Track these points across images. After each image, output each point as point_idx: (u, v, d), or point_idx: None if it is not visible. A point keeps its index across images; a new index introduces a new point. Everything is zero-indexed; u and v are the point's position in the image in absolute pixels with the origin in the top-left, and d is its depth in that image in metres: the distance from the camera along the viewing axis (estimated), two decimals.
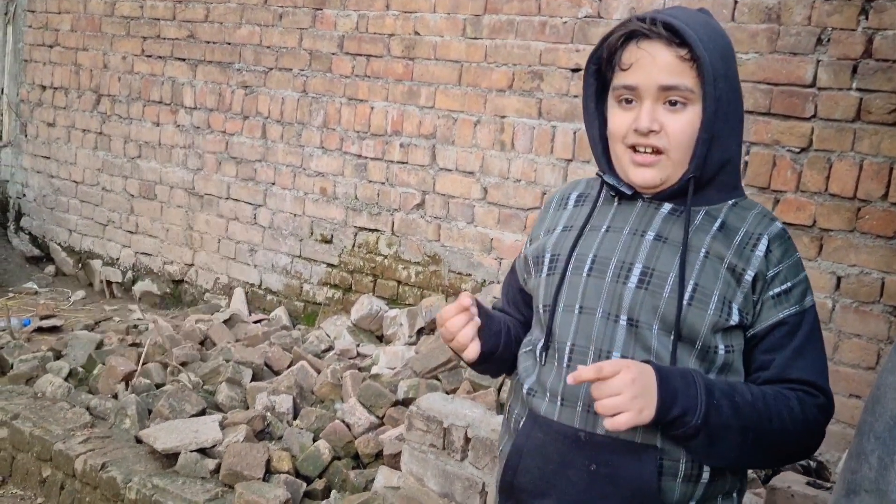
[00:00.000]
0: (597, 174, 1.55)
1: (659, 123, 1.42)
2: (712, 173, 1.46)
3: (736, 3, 3.53)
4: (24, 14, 6.62)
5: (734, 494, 1.51)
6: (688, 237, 1.43)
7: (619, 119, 1.46)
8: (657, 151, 1.43)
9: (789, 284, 1.44)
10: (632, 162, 1.46)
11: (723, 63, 1.43)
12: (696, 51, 1.40)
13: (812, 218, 3.34)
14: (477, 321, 1.48)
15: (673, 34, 1.41)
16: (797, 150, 3.38)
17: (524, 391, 1.53)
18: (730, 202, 1.49)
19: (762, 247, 1.44)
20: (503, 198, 4.29)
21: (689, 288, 1.41)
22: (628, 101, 1.45)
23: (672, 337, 1.41)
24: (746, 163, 3.47)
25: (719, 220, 1.46)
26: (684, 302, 1.40)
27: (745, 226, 1.46)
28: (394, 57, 4.66)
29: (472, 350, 1.48)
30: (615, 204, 1.52)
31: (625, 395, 1.30)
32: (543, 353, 1.51)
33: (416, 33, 4.57)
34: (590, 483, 1.43)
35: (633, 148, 1.45)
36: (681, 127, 1.42)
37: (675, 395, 1.34)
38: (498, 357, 1.58)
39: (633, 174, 1.46)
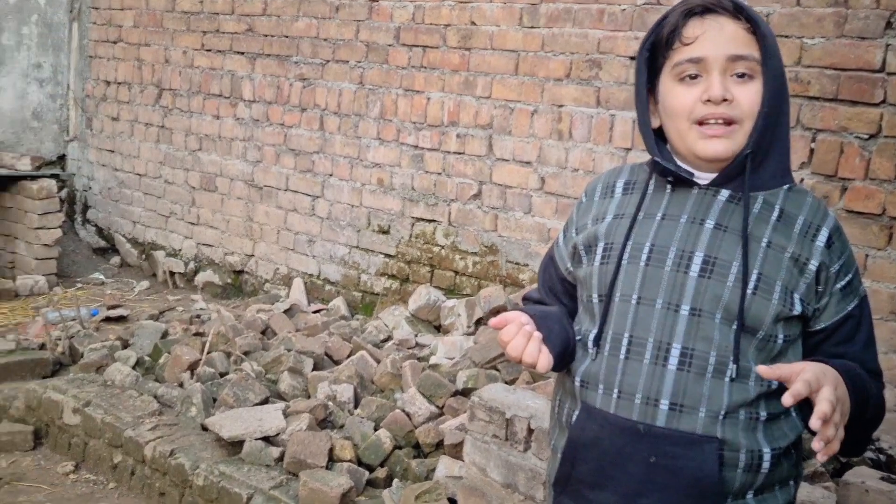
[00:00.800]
0: (652, 160, 1.52)
1: (730, 93, 1.42)
2: (766, 153, 1.45)
3: None
4: (89, 11, 6.78)
5: (790, 482, 1.50)
6: (748, 225, 1.42)
7: (682, 96, 1.45)
8: (728, 123, 1.43)
9: (850, 276, 1.46)
10: (701, 135, 1.44)
11: (775, 42, 1.45)
12: (761, 26, 1.42)
13: (881, 206, 3.26)
14: (537, 336, 1.45)
15: (736, 8, 1.44)
16: (866, 136, 3.29)
17: (576, 384, 1.52)
18: (784, 187, 1.48)
19: (822, 237, 1.44)
20: (561, 187, 4.27)
21: (753, 277, 1.40)
22: (692, 77, 1.44)
23: (735, 326, 1.40)
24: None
25: (777, 208, 1.46)
26: (748, 291, 1.39)
27: (802, 214, 1.46)
28: (450, 47, 4.66)
29: (543, 363, 1.45)
30: (668, 191, 1.50)
31: (836, 415, 1.30)
32: (596, 345, 1.50)
33: (473, 23, 4.56)
34: (649, 475, 1.42)
35: (701, 123, 1.44)
36: (752, 97, 1.42)
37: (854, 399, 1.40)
38: (569, 354, 1.57)
39: (704, 147, 1.44)
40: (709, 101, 1.42)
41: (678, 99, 1.45)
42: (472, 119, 4.59)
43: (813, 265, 1.42)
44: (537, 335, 1.45)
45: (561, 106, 4.25)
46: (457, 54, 4.63)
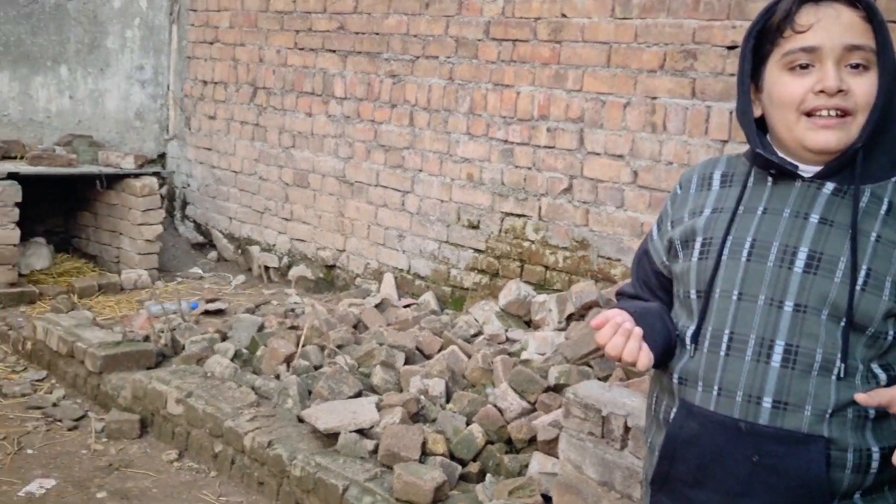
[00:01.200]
0: (753, 151, 1.48)
1: (846, 84, 1.37)
2: (875, 144, 1.40)
3: None
4: (188, 13, 7.01)
5: None
6: (857, 219, 1.37)
7: (792, 85, 1.40)
8: (843, 114, 1.38)
9: None
10: (811, 127, 1.40)
11: (889, 32, 1.40)
12: (878, 14, 1.37)
13: None
14: (637, 333, 1.42)
15: None
16: None
17: (674, 381, 1.50)
18: (893, 179, 1.42)
19: None
20: (654, 181, 4.19)
21: (863, 273, 1.36)
22: (803, 67, 1.40)
23: (843, 324, 1.37)
24: None
25: (886, 201, 1.40)
26: (857, 287, 1.35)
27: None
28: (540, 41, 4.63)
29: (643, 362, 1.42)
30: (769, 184, 1.46)
31: None
32: (694, 342, 1.47)
33: (563, 16, 4.52)
34: (751, 474, 1.40)
35: (809, 114, 1.40)
36: (868, 89, 1.37)
37: None
38: (671, 351, 1.55)
39: (814, 138, 1.40)
40: (822, 92, 1.38)
41: (787, 88, 1.41)
42: (562, 112, 4.55)
43: None
44: (637, 332, 1.43)
45: (654, 98, 4.17)
46: (547, 47, 4.60)
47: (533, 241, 4.74)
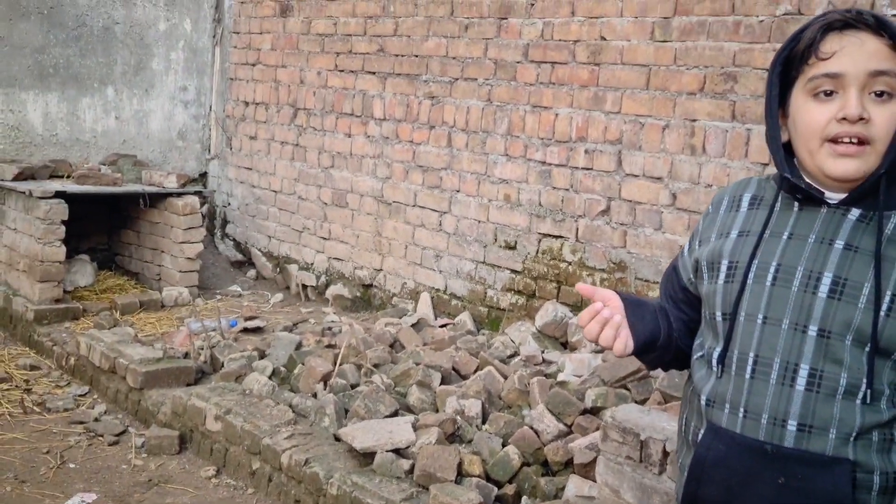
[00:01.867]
0: (783, 176, 1.49)
1: (868, 112, 1.38)
2: None
3: None
4: (230, 36, 7.15)
5: None
6: (881, 245, 1.38)
7: (816, 112, 1.42)
8: (861, 142, 1.39)
9: None
10: (831, 154, 1.41)
11: None
12: None
13: None
14: (615, 321, 1.55)
15: (879, 24, 1.39)
16: None
17: (702, 402, 1.52)
18: None
19: None
20: (693, 204, 4.17)
21: (887, 298, 1.36)
22: (827, 94, 1.41)
23: (868, 349, 1.38)
24: None
25: None
26: (882, 313, 1.36)
27: None
28: (579, 63, 4.64)
29: (619, 347, 1.56)
30: (795, 209, 1.48)
31: None
32: (720, 364, 1.49)
33: (602, 38, 4.53)
34: (779, 496, 1.41)
35: (832, 141, 1.41)
36: (889, 118, 1.38)
37: None
38: (662, 346, 1.61)
39: (833, 166, 1.41)
40: (844, 119, 1.39)
41: (811, 114, 1.43)
42: (600, 134, 4.56)
43: None
44: (615, 320, 1.55)
45: (694, 120, 4.16)
46: (586, 70, 4.61)
47: (570, 263, 4.73)
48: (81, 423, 4.32)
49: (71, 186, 5.93)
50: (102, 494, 3.66)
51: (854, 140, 1.39)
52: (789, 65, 1.47)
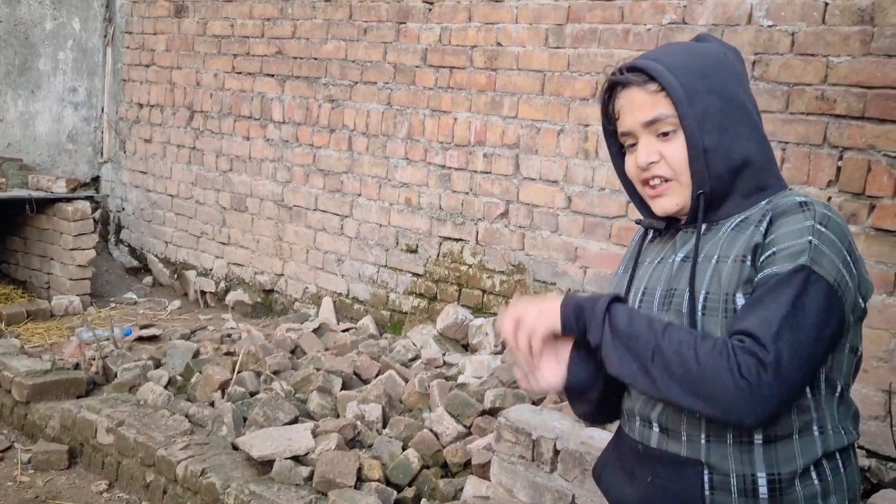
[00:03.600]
0: (635, 221, 1.64)
1: (658, 154, 1.49)
2: (727, 183, 1.48)
3: (826, 5, 3.45)
4: (122, 36, 6.93)
5: None
6: (698, 250, 1.47)
7: (629, 162, 1.55)
8: (665, 180, 1.50)
9: (773, 249, 1.37)
10: (649, 195, 1.54)
11: (702, 80, 1.47)
12: (661, 79, 1.47)
13: None
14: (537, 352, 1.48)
15: (638, 73, 1.49)
16: (894, 154, 3.27)
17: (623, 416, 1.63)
18: (763, 202, 1.47)
19: (764, 225, 1.41)
20: (588, 206, 4.28)
21: (701, 298, 1.44)
22: (632, 145, 1.54)
23: None
24: (783, 158, 3.38)
25: (736, 221, 1.46)
26: (699, 314, 1.43)
27: (763, 212, 1.44)
28: (476, 68, 4.70)
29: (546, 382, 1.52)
30: (660, 237, 1.60)
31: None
32: None
33: (499, 44, 4.60)
34: (645, 494, 1.50)
35: (647, 183, 1.53)
36: (676, 152, 1.48)
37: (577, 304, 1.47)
38: (597, 397, 1.57)
39: (654, 206, 1.54)
40: (639, 166, 1.52)
41: (628, 165, 1.57)
42: (498, 139, 4.62)
43: (750, 254, 1.40)
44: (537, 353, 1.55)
45: (587, 125, 4.27)
46: (483, 75, 4.67)
47: (470, 266, 4.78)
48: None
49: None
50: None
51: (657, 181, 1.51)
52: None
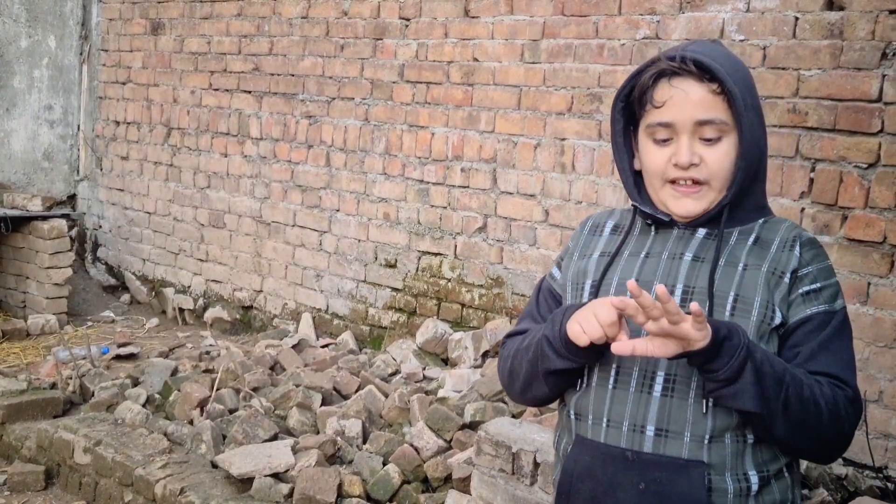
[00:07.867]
0: (632, 205, 1.59)
1: (698, 156, 1.48)
2: (743, 196, 1.52)
3: (797, 19, 3.51)
4: (99, 53, 6.91)
5: None
6: (720, 253, 1.48)
7: (655, 156, 1.51)
8: (697, 182, 1.49)
9: (818, 285, 1.48)
10: (673, 194, 1.51)
11: (749, 93, 1.49)
12: (727, 85, 1.46)
13: (882, 234, 3.28)
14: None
15: (703, 70, 1.46)
16: (865, 165, 3.33)
17: (570, 416, 1.57)
18: (760, 220, 1.54)
19: (797, 249, 1.50)
20: (565, 220, 4.31)
21: (731, 299, 1.46)
22: (663, 139, 1.50)
23: None
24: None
25: (753, 236, 1.52)
26: (726, 312, 1.45)
27: (778, 236, 1.52)
28: (453, 83, 4.73)
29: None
30: (652, 233, 1.57)
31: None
32: (583, 377, 1.54)
33: (475, 59, 4.63)
34: (639, 502, 1.46)
35: (673, 181, 1.51)
36: (719, 158, 1.48)
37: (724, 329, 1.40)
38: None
39: (675, 206, 1.52)
40: (677, 164, 1.49)
41: (651, 157, 1.52)
42: (476, 153, 4.65)
43: (787, 277, 1.48)
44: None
45: (563, 139, 4.31)
46: (460, 90, 4.70)
47: (449, 280, 4.79)
48: None
49: None
50: None
51: (689, 182, 1.49)
52: (633, 101, 1.56)
